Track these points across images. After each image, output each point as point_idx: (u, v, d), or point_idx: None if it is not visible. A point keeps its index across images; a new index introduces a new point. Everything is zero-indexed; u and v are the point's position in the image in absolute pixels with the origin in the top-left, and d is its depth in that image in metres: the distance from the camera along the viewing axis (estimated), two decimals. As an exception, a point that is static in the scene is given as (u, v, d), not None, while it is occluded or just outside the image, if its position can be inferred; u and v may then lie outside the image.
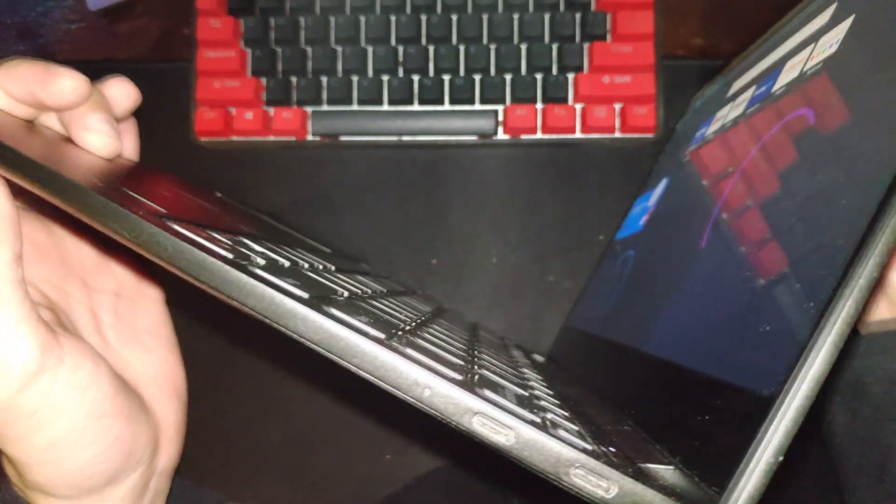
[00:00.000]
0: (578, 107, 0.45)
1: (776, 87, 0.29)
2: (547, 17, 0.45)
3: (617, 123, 0.45)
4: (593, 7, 0.45)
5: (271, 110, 0.46)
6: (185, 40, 0.47)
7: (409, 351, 0.16)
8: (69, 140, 0.26)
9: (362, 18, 0.46)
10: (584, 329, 0.40)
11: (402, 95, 0.45)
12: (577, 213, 0.46)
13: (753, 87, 0.33)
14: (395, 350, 0.16)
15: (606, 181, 0.46)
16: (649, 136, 0.44)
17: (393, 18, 0.46)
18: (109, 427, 0.24)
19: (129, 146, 0.30)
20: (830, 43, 0.26)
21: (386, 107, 0.46)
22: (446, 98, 0.45)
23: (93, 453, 0.24)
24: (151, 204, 0.20)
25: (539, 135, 0.45)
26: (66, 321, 0.27)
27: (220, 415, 0.44)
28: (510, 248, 0.45)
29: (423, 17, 0.45)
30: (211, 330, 0.45)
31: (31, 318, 0.22)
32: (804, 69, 0.27)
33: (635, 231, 0.39)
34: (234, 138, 0.46)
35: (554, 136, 0.45)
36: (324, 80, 0.46)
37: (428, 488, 0.42)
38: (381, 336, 0.16)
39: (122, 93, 0.28)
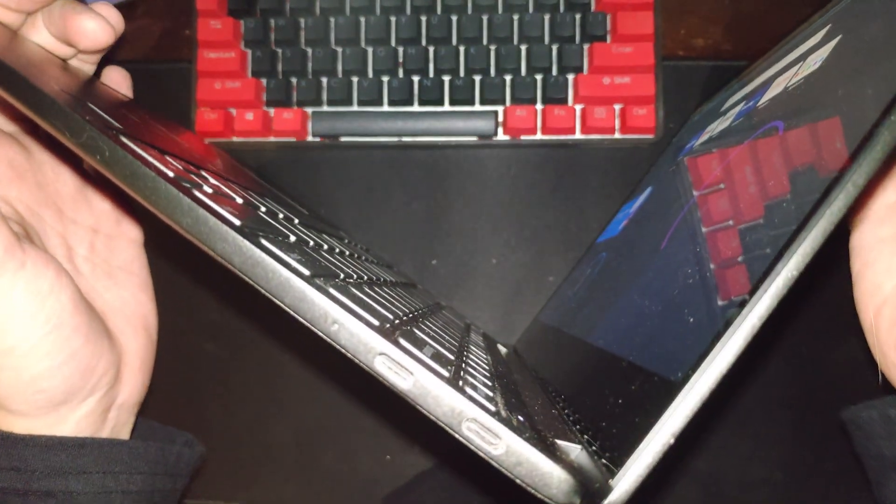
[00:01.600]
0: (578, 108, 0.45)
1: (761, 102, 0.30)
2: (547, 17, 0.45)
3: (617, 124, 0.45)
4: (593, 8, 0.45)
5: (272, 111, 0.46)
6: (186, 41, 0.48)
7: (332, 291, 0.17)
8: (55, 60, 0.27)
9: (362, 19, 0.46)
10: (545, 323, 0.41)
11: (402, 96, 0.45)
12: (576, 213, 0.46)
13: (743, 103, 0.33)
14: (314, 285, 0.16)
15: (606, 182, 0.46)
16: (649, 136, 0.45)
17: (393, 19, 0.46)
18: (66, 341, 0.25)
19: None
20: (815, 61, 0.26)
21: (386, 108, 0.46)
22: (446, 99, 0.45)
23: (47, 365, 0.24)
24: (110, 119, 0.20)
25: (539, 135, 0.45)
26: (36, 240, 0.27)
27: (228, 416, 0.45)
28: (510, 249, 0.46)
29: (423, 18, 0.45)
30: (219, 333, 0.45)
31: None
32: (788, 85, 0.28)
33: (612, 235, 0.40)
34: (235, 139, 0.46)
35: (554, 137, 0.45)
36: (324, 80, 0.46)
37: (428, 487, 0.43)
38: (306, 272, 0.16)
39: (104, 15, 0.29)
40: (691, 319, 0.20)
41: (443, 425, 0.16)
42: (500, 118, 0.45)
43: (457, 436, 0.16)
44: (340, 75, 0.46)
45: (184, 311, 0.45)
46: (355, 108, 0.46)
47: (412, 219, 0.46)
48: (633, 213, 0.39)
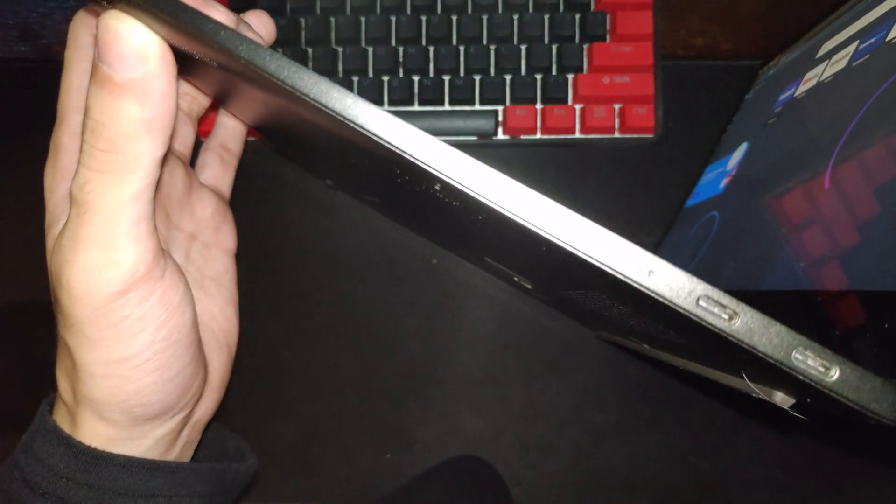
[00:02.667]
0: (578, 107, 0.45)
1: (890, 36, 0.30)
2: (546, 17, 0.45)
3: (616, 123, 0.45)
4: (593, 7, 0.45)
5: (272, 111, 0.46)
6: (186, 41, 0.48)
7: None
8: None
9: (363, 19, 0.46)
10: None
11: (402, 96, 0.45)
12: (576, 211, 0.46)
13: (856, 43, 0.33)
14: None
15: (606, 181, 0.46)
16: (648, 136, 0.45)
17: (393, 19, 0.46)
18: (179, 357, 0.24)
19: None
20: None
21: (386, 107, 0.46)
22: (446, 98, 0.45)
23: (155, 379, 0.23)
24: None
25: (539, 135, 0.45)
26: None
27: (227, 416, 0.44)
28: (510, 248, 0.46)
29: (424, 18, 0.45)
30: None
31: (151, 223, 0.21)
32: None
33: (715, 194, 0.40)
34: (235, 139, 0.46)
35: (553, 137, 0.45)
36: (324, 80, 0.46)
37: (427, 486, 0.43)
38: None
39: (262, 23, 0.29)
40: None
41: (772, 361, 0.15)
42: (500, 118, 0.45)
43: (784, 369, 0.15)
44: (341, 75, 0.46)
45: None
46: (355, 107, 0.46)
47: (412, 218, 0.46)
48: (736, 169, 0.39)
